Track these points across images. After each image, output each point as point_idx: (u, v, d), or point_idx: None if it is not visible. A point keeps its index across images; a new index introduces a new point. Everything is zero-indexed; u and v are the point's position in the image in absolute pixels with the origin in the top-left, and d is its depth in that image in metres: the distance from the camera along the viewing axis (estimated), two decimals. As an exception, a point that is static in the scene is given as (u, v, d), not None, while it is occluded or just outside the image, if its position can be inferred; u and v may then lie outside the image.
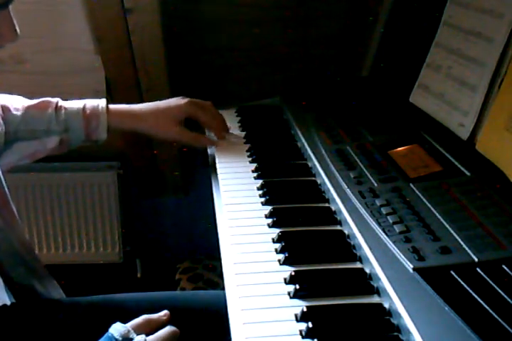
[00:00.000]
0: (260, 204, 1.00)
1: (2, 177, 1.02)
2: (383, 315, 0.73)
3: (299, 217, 0.95)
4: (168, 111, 1.19)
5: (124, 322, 0.88)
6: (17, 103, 1.16)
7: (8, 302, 1.05)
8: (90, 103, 1.16)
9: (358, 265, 0.84)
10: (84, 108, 1.15)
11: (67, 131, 1.15)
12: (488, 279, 0.73)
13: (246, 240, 0.90)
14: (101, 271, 1.99)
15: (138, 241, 2.01)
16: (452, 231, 0.82)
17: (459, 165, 0.98)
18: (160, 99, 1.22)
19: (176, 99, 1.21)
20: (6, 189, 1.03)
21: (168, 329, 0.89)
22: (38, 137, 1.15)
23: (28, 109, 1.15)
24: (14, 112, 1.13)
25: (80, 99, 1.20)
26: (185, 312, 1.00)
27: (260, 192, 1.03)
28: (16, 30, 0.88)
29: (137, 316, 0.90)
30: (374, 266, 0.78)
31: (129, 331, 0.85)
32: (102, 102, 1.16)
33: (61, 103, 1.16)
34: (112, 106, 1.17)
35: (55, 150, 1.18)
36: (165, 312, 0.92)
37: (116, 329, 0.85)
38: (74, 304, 1.08)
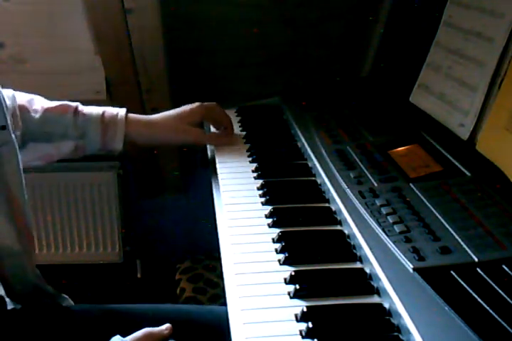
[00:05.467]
0: (260, 204, 1.00)
1: (27, 204, 1.00)
2: (383, 315, 0.73)
3: (299, 217, 0.95)
4: (184, 116, 1.18)
5: (127, 333, 0.87)
6: (37, 104, 1.14)
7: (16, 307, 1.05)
8: (110, 111, 1.15)
9: (358, 265, 0.84)
10: (103, 115, 1.14)
11: (83, 138, 1.14)
12: (488, 279, 0.73)
13: (246, 240, 0.90)
14: (101, 271, 1.99)
15: (138, 241, 2.01)
16: (452, 231, 0.82)
17: (459, 165, 0.98)
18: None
19: (185, 105, 1.21)
20: (29, 216, 1.01)
21: None
22: (53, 140, 1.13)
23: (47, 111, 1.13)
24: (33, 114, 1.12)
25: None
26: (189, 326, 1.00)
27: (260, 192, 1.03)
28: None
29: (141, 327, 0.89)
30: (374, 266, 0.78)
31: None
32: (121, 111, 1.15)
33: (81, 108, 1.15)
34: (131, 116, 1.16)
35: (70, 155, 1.16)
36: (167, 325, 0.91)
37: None
38: (78, 312, 1.08)
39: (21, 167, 0.99)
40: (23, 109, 1.12)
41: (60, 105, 1.15)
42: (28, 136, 1.11)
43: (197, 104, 1.21)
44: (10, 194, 0.97)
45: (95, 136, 1.14)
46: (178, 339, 0.91)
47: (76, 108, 1.14)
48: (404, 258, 0.78)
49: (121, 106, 1.18)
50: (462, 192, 0.90)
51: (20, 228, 0.99)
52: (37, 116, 1.12)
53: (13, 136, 0.98)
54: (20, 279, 1.02)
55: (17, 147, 0.99)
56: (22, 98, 1.14)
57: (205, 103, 1.22)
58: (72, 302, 1.12)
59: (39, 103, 1.15)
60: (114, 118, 1.14)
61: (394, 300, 0.71)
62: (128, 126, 1.14)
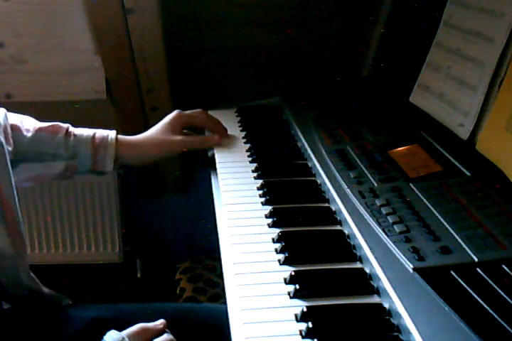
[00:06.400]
0: (260, 204, 1.00)
1: (17, 206, 1.01)
2: (383, 315, 0.73)
3: (299, 217, 0.95)
4: (166, 128, 1.20)
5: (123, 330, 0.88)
6: (28, 124, 1.15)
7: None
8: (100, 132, 1.17)
9: (358, 265, 0.84)
10: (93, 137, 1.15)
11: (74, 158, 1.15)
12: (488, 279, 0.73)
13: (246, 240, 0.90)
14: (101, 271, 1.99)
15: (138, 241, 2.01)
16: (452, 231, 0.82)
17: (459, 165, 0.98)
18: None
19: (166, 116, 1.22)
20: (19, 213, 1.02)
21: (164, 338, 0.88)
22: (44, 160, 1.14)
23: (38, 131, 1.15)
24: (25, 133, 1.13)
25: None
26: (188, 325, 1.00)
27: (260, 192, 1.03)
28: None
29: None
30: (374, 266, 0.78)
31: (123, 338, 0.85)
32: (112, 133, 1.17)
33: (71, 129, 1.17)
34: (121, 138, 1.17)
35: (61, 176, 1.17)
36: (161, 321, 0.92)
37: (111, 336, 0.85)
38: (76, 311, 1.08)
39: (11, 169, 1.00)
40: (15, 128, 1.13)
41: (52, 126, 1.16)
42: (19, 156, 1.12)
43: (175, 112, 1.22)
44: (0, 196, 0.97)
45: (86, 157, 1.15)
46: (177, 337, 0.91)
47: (67, 129, 1.16)
48: (404, 258, 0.78)
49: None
50: (462, 192, 0.90)
51: (11, 230, 0.99)
52: (29, 135, 1.14)
53: (0, 137, 0.99)
54: (14, 282, 1.02)
55: (5, 148, 1.00)
56: (14, 118, 1.15)
57: (187, 111, 1.23)
58: (70, 302, 1.13)
59: (31, 123, 1.16)
60: (104, 140, 1.15)
61: (394, 300, 0.71)
62: (118, 148, 1.16)
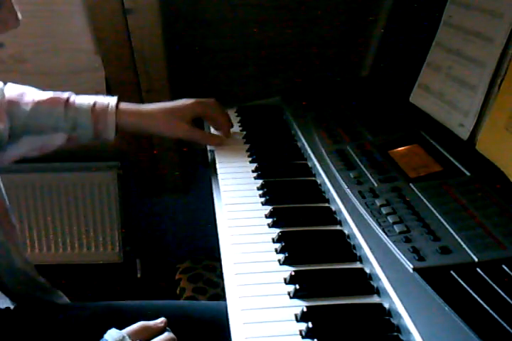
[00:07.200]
0: (260, 204, 1.00)
1: (2, 186, 1.01)
2: (383, 315, 0.73)
3: (299, 217, 0.95)
4: (176, 110, 1.18)
5: (123, 329, 0.88)
6: (28, 97, 1.14)
7: (11, 305, 1.05)
8: (101, 101, 1.15)
9: (358, 265, 0.84)
10: (94, 106, 1.14)
11: (75, 129, 1.14)
12: (488, 279, 0.73)
13: (246, 240, 0.90)
14: (101, 271, 1.99)
15: (138, 241, 2.01)
16: (452, 231, 0.82)
17: (459, 165, 0.98)
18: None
19: (183, 99, 1.21)
20: (6, 199, 1.02)
21: (165, 336, 0.89)
22: (45, 133, 1.14)
23: (38, 104, 1.13)
24: (23, 107, 1.12)
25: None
26: (187, 322, 1.00)
27: (260, 192, 1.03)
28: (17, 16, 0.86)
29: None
30: (374, 266, 0.78)
31: (123, 337, 0.85)
32: (112, 101, 1.15)
33: (72, 99, 1.15)
34: (122, 106, 1.16)
35: (64, 146, 1.17)
36: (162, 319, 0.92)
37: (112, 335, 0.85)
38: (75, 309, 1.08)
39: None
40: (13, 103, 1.12)
41: (51, 98, 1.15)
42: (20, 129, 1.12)
43: (192, 100, 1.20)
44: None
45: (87, 127, 1.14)
46: (178, 334, 0.91)
47: (67, 99, 1.15)
48: (404, 258, 0.78)
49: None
50: (462, 192, 0.90)
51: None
52: (28, 108, 1.12)
53: None
54: (8, 270, 1.02)
55: None
56: (12, 92, 1.14)
57: (203, 99, 1.21)
58: (67, 300, 1.13)
59: (30, 96, 1.15)
60: (104, 109, 1.14)
61: (394, 300, 0.71)
62: (118, 116, 1.15)
